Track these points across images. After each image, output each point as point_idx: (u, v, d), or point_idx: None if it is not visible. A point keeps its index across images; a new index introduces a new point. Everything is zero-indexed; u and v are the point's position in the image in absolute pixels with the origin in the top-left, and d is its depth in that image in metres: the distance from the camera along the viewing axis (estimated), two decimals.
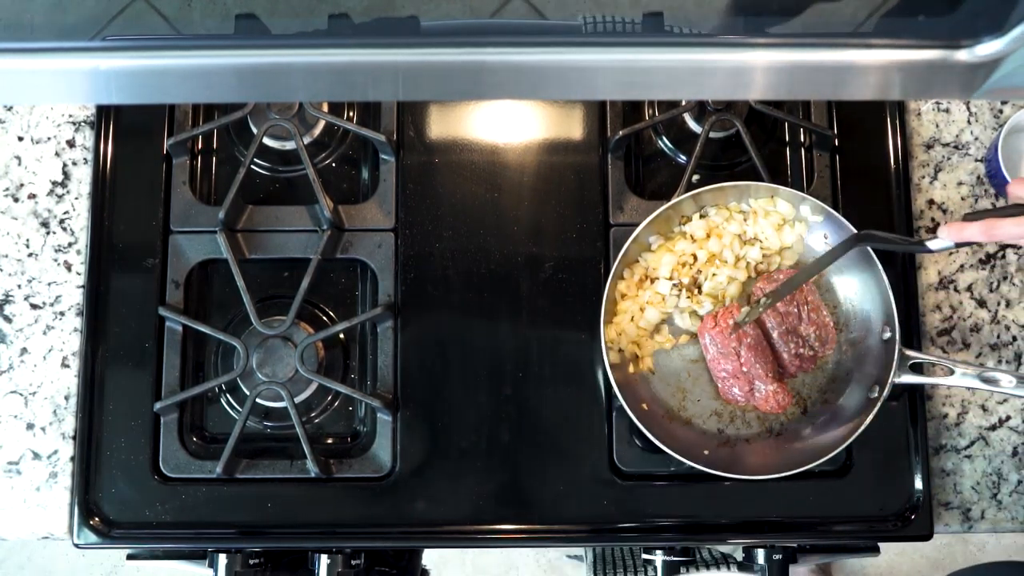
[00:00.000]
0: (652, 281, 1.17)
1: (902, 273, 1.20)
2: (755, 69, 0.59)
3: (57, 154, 1.24)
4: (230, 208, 1.18)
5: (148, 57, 0.57)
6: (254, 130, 1.22)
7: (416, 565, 1.41)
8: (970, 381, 1.08)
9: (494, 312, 1.20)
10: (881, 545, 1.22)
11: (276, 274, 1.23)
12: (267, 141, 1.23)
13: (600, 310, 1.13)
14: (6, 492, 1.18)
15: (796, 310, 1.14)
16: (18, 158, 1.24)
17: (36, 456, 1.18)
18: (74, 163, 1.24)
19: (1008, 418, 1.20)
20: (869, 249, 1.12)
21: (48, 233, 1.23)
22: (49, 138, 1.25)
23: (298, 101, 1.21)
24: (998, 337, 1.22)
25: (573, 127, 1.25)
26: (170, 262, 1.20)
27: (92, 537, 1.15)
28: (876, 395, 1.11)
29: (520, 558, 2.23)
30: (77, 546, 1.15)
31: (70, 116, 1.25)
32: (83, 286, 1.21)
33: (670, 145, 1.26)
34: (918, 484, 1.16)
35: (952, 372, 1.09)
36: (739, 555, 1.30)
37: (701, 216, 1.19)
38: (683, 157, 1.25)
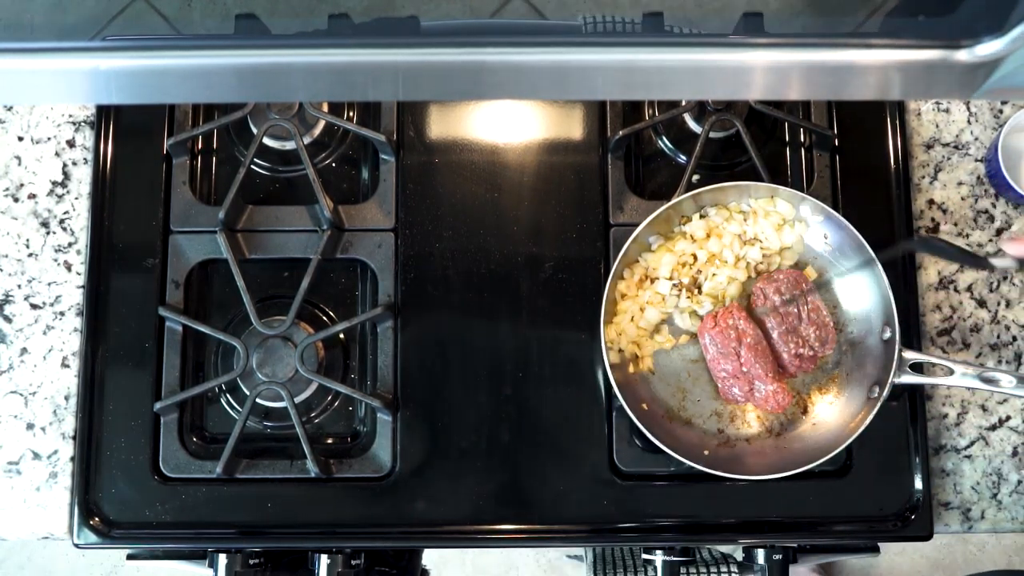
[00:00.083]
0: (652, 281, 1.17)
1: (902, 273, 1.20)
2: (755, 69, 0.59)
3: (57, 154, 1.24)
4: (230, 208, 1.18)
5: (148, 57, 0.57)
6: (254, 130, 1.22)
7: (416, 565, 1.41)
8: (970, 381, 1.08)
9: (494, 312, 1.20)
10: (881, 545, 1.22)
11: (276, 274, 1.23)
12: (267, 141, 1.23)
13: (600, 310, 1.13)
14: (6, 492, 1.18)
15: (796, 310, 1.14)
16: (18, 158, 1.24)
17: (36, 456, 1.18)
18: (74, 163, 1.24)
19: (1008, 418, 1.20)
20: (869, 249, 1.12)
21: (48, 233, 1.23)
22: (49, 138, 1.25)
23: (298, 101, 1.21)
24: (998, 337, 1.22)
25: (573, 127, 1.25)
26: (170, 262, 1.20)
27: (92, 537, 1.15)
28: (876, 395, 1.11)
29: (520, 558, 2.23)
30: (77, 546, 1.15)
31: (70, 116, 1.25)
32: (83, 286, 1.21)
33: (670, 145, 1.26)
34: (918, 484, 1.16)
35: (952, 372, 1.09)
36: (739, 555, 1.30)
37: (701, 216, 1.19)
38: (683, 157, 1.25)
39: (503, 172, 1.23)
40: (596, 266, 1.21)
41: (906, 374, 1.10)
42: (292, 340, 1.17)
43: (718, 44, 0.58)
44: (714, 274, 1.17)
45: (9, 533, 1.18)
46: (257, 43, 0.57)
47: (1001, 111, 1.27)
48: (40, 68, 0.57)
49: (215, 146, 1.27)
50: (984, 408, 1.20)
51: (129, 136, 1.23)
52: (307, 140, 1.23)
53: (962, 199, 1.25)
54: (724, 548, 1.35)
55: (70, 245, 1.22)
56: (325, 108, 1.24)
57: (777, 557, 1.17)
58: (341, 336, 1.21)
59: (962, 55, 0.56)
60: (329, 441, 1.20)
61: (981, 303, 1.22)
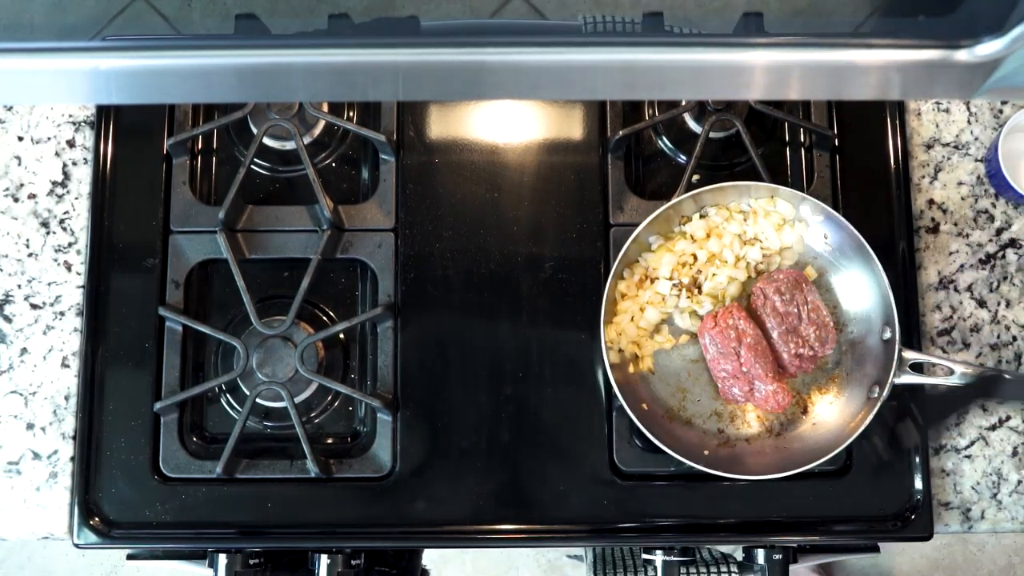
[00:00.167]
0: (652, 281, 1.17)
1: (902, 273, 1.20)
2: (755, 69, 0.59)
3: (57, 154, 1.24)
4: (230, 208, 1.18)
5: (148, 57, 0.57)
6: (254, 130, 1.22)
7: (416, 565, 1.41)
8: (970, 381, 1.08)
9: (494, 312, 1.20)
10: (881, 545, 1.22)
11: (276, 274, 1.23)
12: (267, 141, 1.23)
13: (600, 310, 1.13)
14: (6, 492, 1.18)
15: (796, 310, 1.14)
16: (18, 158, 1.24)
17: (36, 456, 1.18)
18: (74, 163, 1.24)
19: (1008, 418, 1.20)
20: (869, 249, 1.12)
21: (48, 233, 1.23)
22: (49, 138, 1.25)
23: (298, 101, 1.21)
24: (998, 337, 1.22)
25: (573, 127, 1.25)
26: (170, 262, 1.20)
27: (92, 537, 1.15)
28: (876, 395, 1.11)
29: (520, 558, 2.23)
30: (77, 546, 1.15)
31: (70, 116, 1.25)
32: (83, 286, 1.21)
33: (670, 145, 1.26)
34: (918, 484, 1.16)
35: (952, 372, 1.09)
36: (739, 555, 1.30)
37: (701, 216, 1.19)
38: (683, 157, 1.25)
39: (503, 172, 1.23)
40: (596, 266, 1.21)
41: (906, 374, 1.10)
42: (292, 340, 1.17)
43: (718, 44, 0.58)
44: (714, 274, 1.17)
45: (9, 533, 1.18)
46: (257, 43, 0.57)
47: (1001, 111, 1.27)
48: (40, 68, 0.57)
49: (215, 146, 1.27)
50: (984, 408, 1.20)
51: (129, 136, 1.23)
52: (307, 140, 1.23)
53: (962, 199, 1.25)
54: (724, 548, 1.35)
55: (70, 245, 1.22)
56: (325, 108, 1.24)
57: (777, 557, 1.17)
58: (341, 336, 1.21)
59: (962, 55, 0.56)
60: (329, 441, 1.20)
61: (981, 303, 1.22)
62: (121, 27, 0.57)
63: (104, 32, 0.57)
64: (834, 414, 1.16)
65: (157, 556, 1.21)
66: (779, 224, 1.17)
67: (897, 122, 1.24)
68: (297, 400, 1.16)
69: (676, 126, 1.26)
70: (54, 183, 1.24)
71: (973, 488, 1.19)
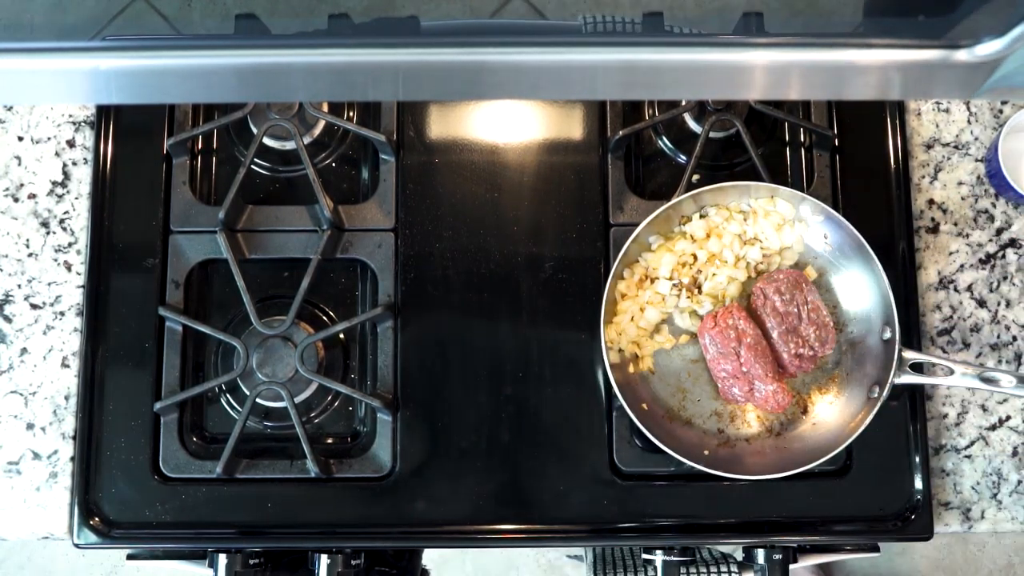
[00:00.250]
0: (652, 281, 1.17)
1: (902, 273, 1.20)
2: (755, 69, 0.59)
3: (57, 154, 1.24)
4: (230, 208, 1.18)
5: (148, 57, 0.57)
6: (254, 130, 1.22)
7: (416, 565, 1.41)
8: (970, 381, 1.08)
9: (494, 312, 1.20)
10: (881, 545, 1.22)
11: (276, 274, 1.23)
12: (267, 141, 1.23)
13: (600, 310, 1.13)
14: (6, 492, 1.18)
15: (796, 310, 1.14)
16: (18, 158, 1.24)
17: (36, 456, 1.18)
18: (74, 163, 1.24)
19: (1008, 418, 1.20)
20: (869, 248, 1.12)
21: (48, 233, 1.23)
22: (49, 138, 1.25)
23: (298, 101, 1.21)
24: (998, 337, 1.22)
25: (573, 127, 1.25)
26: (170, 262, 1.20)
27: (92, 537, 1.15)
28: (876, 395, 1.11)
29: (520, 558, 2.23)
30: (77, 546, 1.15)
31: (70, 116, 1.25)
32: (83, 286, 1.21)
33: (670, 145, 1.26)
34: (918, 484, 1.16)
35: (952, 372, 1.09)
36: (739, 555, 1.30)
37: (701, 216, 1.19)
38: (683, 157, 1.25)
39: (503, 172, 1.23)
40: (596, 266, 1.21)
41: (906, 374, 1.10)
42: (292, 340, 1.17)
43: (718, 44, 0.58)
44: (714, 274, 1.17)
45: (9, 533, 1.18)
46: (257, 43, 0.57)
47: (1001, 111, 1.27)
48: (40, 68, 0.57)
49: (215, 146, 1.27)
50: (984, 408, 1.20)
51: (129, 136, 1.23)
52: (307, 140, 1.23)
53: (962, 199, 1.25)
54: (724, 548, 1.35)
55: (70, 245, 1.22)
56: (325, 108, 1.24)
57: (777, 557, 1.17)
58: (341, 336, 1.21)
59: (962, 55, 0.56)
60: (329, 441, 1.20)
61: (981, 303, 1.22)
62: (121, 27, 0.57)
63: (104, 32, 0.57)
64: (834, 414, 1.16)
65: (157, 556, 1.21)
66: (779, 224, 1.17)
67: (897, 122, 1.24)
68: (297, 400, 1.16)
69: (676, 126, 1.26)
70: (54, 183, 1.24)
71: (973, 488, 1.19)
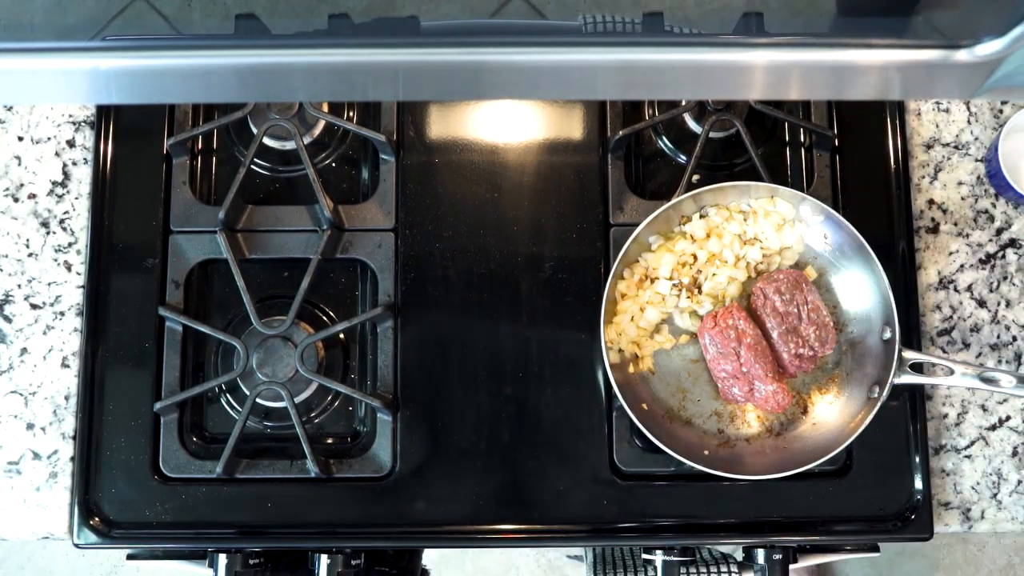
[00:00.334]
0: (652, 281, 1.17)
1: (902, 273, 1.20)
2: (755, 69, 0.59)
3: (57, 154, 1.24)
4: (230, 208, 1.18)
5: (148, 57, 0.57)
6: (254, 130, 1.22)
7: (416, 565, 1.41)
8: (970, 381, 1.08)
9: (494, 312, 1.20)
10: (881, 545, 1.22)
11: (276, 274, 1.23)
12: (267, 141, 1.23)
13: (600, 310, 1.13)
14: (6, 492, 1.18)
15: (796, 310, 1.14)
16: (18, 158, 1.24)
17: (36, 456, 1.18)
18: (74, 163, 1.24)
19: (1008, 418, 1.20)
20: (869, 249, 1.12)
21: (48, 233, 1.23)
22: (49, 138, 1.25)
23: (298, 101, 1.21)
24: (998, 337, 1.22)
25: (573, 127, 1.25)
26: (170, 262, 1.20)
27: (92, 537, 1.15)
28: (876, 395, 1.11)
29: (520, 558, 2.23)
30: (77, 546, 1.15)
31: (70, 116, 1.25)
32: (83, 286, 1.21)
33: (670, 145, 1.26)
34: (918, 484, 1.16)
35: (952, 372, 1.09)
36: (739, 555, 1.30)
37: (701, 216, 1.19)
38: (683, 157, 1.25)
39: (503, 172, 1.23)
40: (596, 266, 1.21)
41: (906, 374, 1.10)
42: (292, 340, 1.17)
43: (718, 44, 0.58)
44: (714, 274, 1.17)
45: (9, 533, 1.18)
46: (257, 43, 0.57)
47: (1001, 111, 1.27)
48: (40, 68, 0.57)
49: (215, 146, 1.27)
50: (984, 408, 1.21)
51: (129, 136, 1.23)
52: (307, 140, 1.23)
53: (962, 199, 1.25)
54: (724, 548, 1.35)
55: (70, 245, 1.22)
56: (325, 108, 1.24)
57: (777, 557, 1.17)
58: (341, 336, 1.21)
59: (962, 55, 0.56)
60: (329, 441, 1.20)
61: (981, 303, 1.22)
62: (121, 27, 0.57)
63: (104, 32, 0.57)
64: (834, 414, 1.16)
65: (157, 556, 1.21)
66: (779, 224, 1.17)
67: (897, 122, 1.24)
68: (297, 400, 1.16)
69: (676, 126, 1.26)
70: (54, 183, 1.24)
71: (973, 488, 1.19)
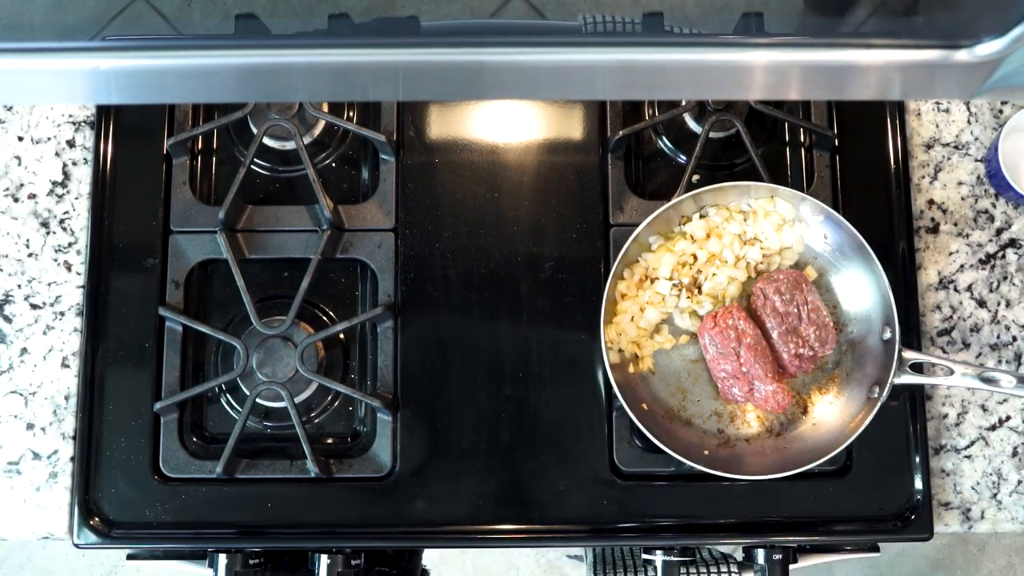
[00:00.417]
0: (652, 281, 1.17)
1: (902, 273, 1.20)
2: (755, 69, 0.59)
3: (57, 154, 1.24)
4: (230, 208, 1.18)
5: (148, 57, 0.57)
6: (254, 130, 1.22)
7: (416, 565, 1.41)
8: (970, 381, 1.08)
9: (494, 312, 1.20)
10: (881, 545, 1.22)
11: (276, 274, 1.23)
12: (267, 141, 1.23)
13: (600, 310, 1.13)
14: (6, 492, 1.18)
15: (796, 310, 1.14)
16: (18, 158, 1.24)
17: (36, 456, 1.18)
18: (74, 163, 1.24)
19: (1008, 418, 1.20)
20: (869, 249, 1.12)
21: (48, 233, 1.23)
22: (49, 138, 1.25)
23: (298, 101, 1.21)
24: (998, 337, 1.22)
25: (573, 127, 1.25)
26: (170, 262, 1.20)
27: (92, 537, 1.15)
28: (876, 395, 1.11)
29: (520, 558, 2.23)
30: (77, 546, 1.15)
31: (70, 116, 1.25)
32: (83, 286, 1.21)
33: (670, 145, 1.26)
34: (918, 484, 1.16)
35: (952, 372, 1.09)
36: (739, 555, 1.30)
37: (701, 216, 1.19)
38: (683, 157, 1.25)
39: (503, 172, 1.23)
40: (596, 266, 1.21)
41: (906, 374, 1.10)
42: (292, 340, 1.17)
43: (718, 44, 0.58)
44: (714, 274, 1.17)
45: (9, 533, 1.18)
46: (257, 43, 0.57)
47: (1001, 111, 1.27)
48: (40, 68, 0.57)
49: (215, 146, 1.27)
50: (984, 408, 1.20)
51: (129, 136, 1.23)
52: (307, 140, 1.23)
53: (962, 199, 1.25)
54: (724, 548, 1.35)
55: (70, 245, 1.22)
56: (325, 108, 1.24)
57: (777, 557, 1.17)
58: (341, 336, 1.21)
59: (962, 55, 0.56)
60: (329, 441, 1.20)
61: (981, 303, 1.22)
62: (121, 27, 0.57)
63: (104, 32, 0.57)
64: (834, 414, 1.16)
65: (157, 556, 1.21)
66: (779, 224, 1.17)
67: (897, 122, 1.24)
68: (297, 400, 1.16)
69: (676, 126, 1.26)
70: (54, 183, 1.24)
71: (973, 488, 1.19)
